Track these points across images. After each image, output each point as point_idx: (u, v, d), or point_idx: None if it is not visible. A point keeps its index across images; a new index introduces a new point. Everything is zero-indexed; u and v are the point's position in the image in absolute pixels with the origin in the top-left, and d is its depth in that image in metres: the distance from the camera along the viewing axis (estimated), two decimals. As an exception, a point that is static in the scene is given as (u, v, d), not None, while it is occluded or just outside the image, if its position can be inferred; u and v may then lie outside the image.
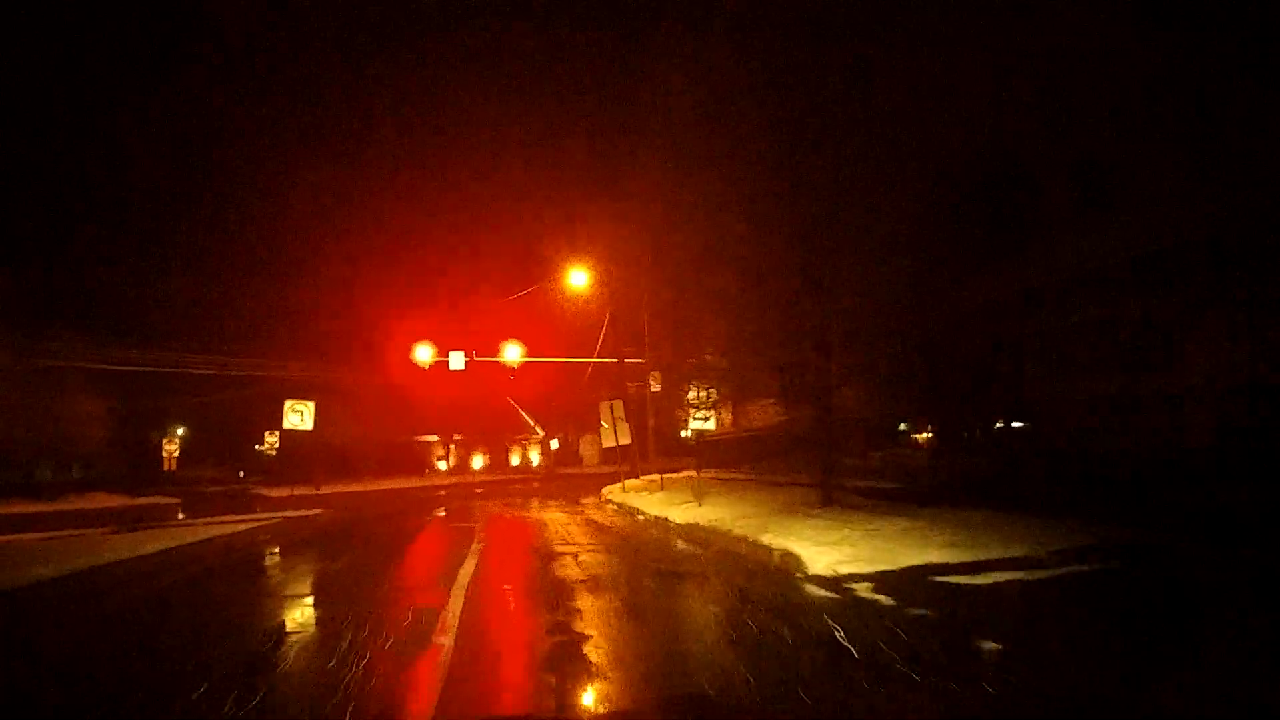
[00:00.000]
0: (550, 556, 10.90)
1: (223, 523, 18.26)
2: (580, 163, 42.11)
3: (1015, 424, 22.81)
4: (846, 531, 10.20)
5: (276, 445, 36.01)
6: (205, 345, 37.47)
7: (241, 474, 45.38)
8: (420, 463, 49.62)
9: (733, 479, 21.49)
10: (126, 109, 59.68)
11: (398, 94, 72.41)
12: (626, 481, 24.22)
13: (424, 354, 26.08)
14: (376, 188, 70.21)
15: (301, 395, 37.35)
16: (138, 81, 63.33)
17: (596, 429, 62.21)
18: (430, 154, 68.39)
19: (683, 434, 28.46)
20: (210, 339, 39.30)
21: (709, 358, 20.69)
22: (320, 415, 42.36)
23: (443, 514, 20.17)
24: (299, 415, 33.77)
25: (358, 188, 71.08)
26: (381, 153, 66.72)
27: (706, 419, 19.76)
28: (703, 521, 12.93)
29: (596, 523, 15.67)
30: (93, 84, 58.83)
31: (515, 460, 59.73)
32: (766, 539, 10.25)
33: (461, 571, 9.67)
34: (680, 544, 12.16)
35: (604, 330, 27.36)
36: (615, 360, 27.15)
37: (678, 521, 13.95)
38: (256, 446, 37.55)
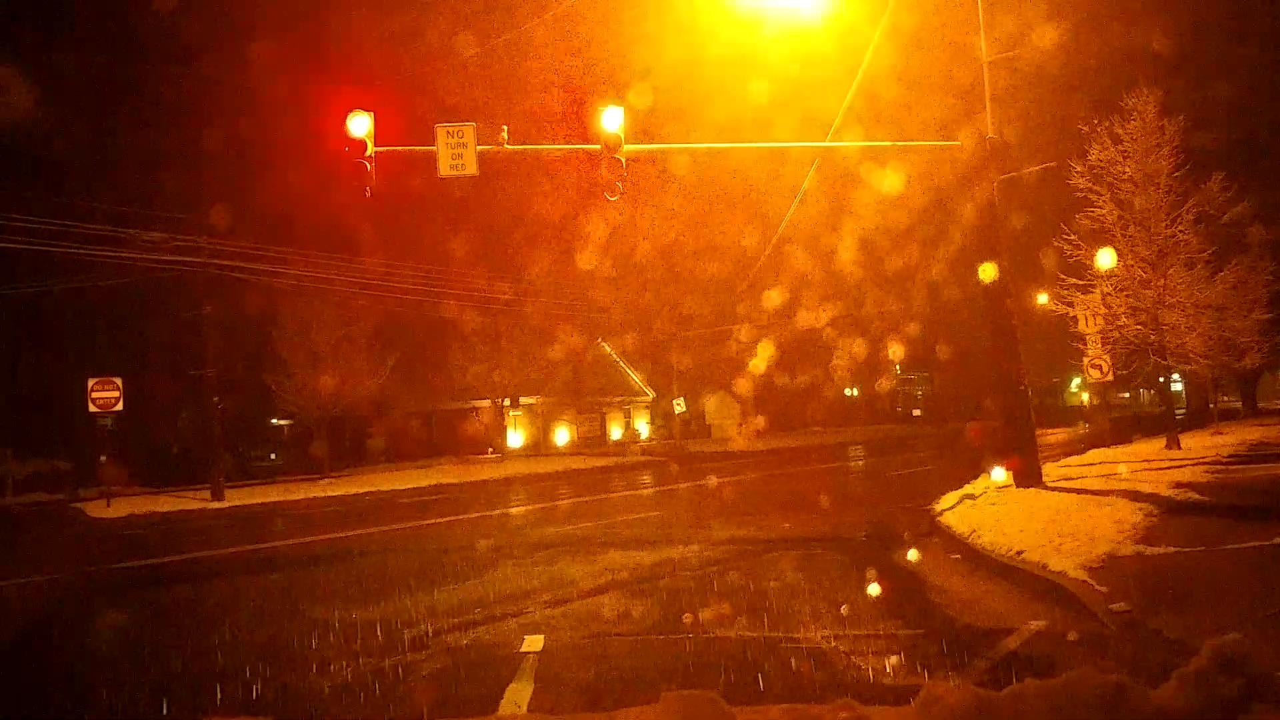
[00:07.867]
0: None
1: None
2: None
3: None
4: None
5: (116, 402, 17.87)
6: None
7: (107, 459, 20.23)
8: (469, 438, 33.78)
9: None
10: None
11: None
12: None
13: (360, 126, 9.24)
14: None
15: (214, 296, 19.23)
16: None
17: (730, 383, 43.46)
18: None
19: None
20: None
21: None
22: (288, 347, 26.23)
23: None
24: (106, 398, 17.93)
25: None
26: None
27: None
28: None
29: None
30: None
31: (616, 432, 43.29)
32: None
33: None
34: None
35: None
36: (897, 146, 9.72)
37: None
38: (96, 412, 17.98)
